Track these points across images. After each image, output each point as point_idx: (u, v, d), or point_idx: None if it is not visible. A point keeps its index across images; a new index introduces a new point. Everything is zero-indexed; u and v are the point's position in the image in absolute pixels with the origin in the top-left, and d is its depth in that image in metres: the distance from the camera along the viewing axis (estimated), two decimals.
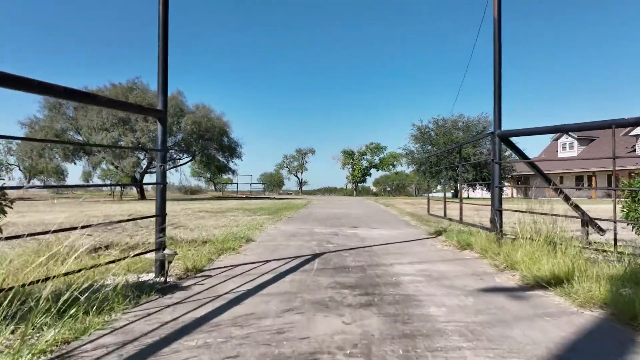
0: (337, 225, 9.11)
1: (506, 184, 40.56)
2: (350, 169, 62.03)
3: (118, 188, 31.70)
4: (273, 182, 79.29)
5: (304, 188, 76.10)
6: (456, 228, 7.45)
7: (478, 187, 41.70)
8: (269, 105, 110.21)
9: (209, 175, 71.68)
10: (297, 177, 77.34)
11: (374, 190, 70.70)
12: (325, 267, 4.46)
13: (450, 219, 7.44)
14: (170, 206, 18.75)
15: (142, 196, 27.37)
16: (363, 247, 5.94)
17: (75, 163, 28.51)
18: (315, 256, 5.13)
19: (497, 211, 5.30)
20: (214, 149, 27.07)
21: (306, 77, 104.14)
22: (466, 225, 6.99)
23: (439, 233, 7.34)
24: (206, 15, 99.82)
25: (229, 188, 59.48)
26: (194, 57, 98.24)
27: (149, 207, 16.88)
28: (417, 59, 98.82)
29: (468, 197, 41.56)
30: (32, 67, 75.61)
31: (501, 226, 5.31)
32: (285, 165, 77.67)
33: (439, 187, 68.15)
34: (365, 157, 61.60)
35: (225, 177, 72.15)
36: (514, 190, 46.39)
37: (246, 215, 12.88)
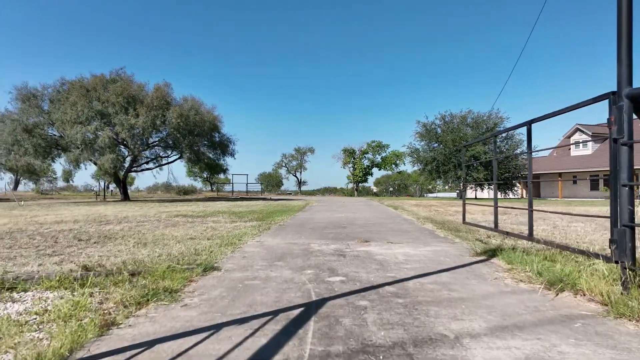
0: (342, 238, 6.84)
1: (518, 184, 38.35)
2: (351, 168, 59.77)
3: (104, 188, 29.35)
4: (272, 182, 77.06)
5: (303, 188, 73.90)
6: (518, 245, 5.19)
7: (486, 187, 39.44)
8: (268, 103, 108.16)
9: (205, 175, 69.45)
10: (296, 177, 75.18)
11: (375, 191, 68.43)
12: (329, 347, 2.19)
13: (508, 233, 5.16)
14: (147, 209, 16.48)
15: (126, 197, 25.06)
16: (388, 283, 3.68)
17: (53, 161, 26.26)
18: (309, 310, 2.87)
19: (626, 228, 3.04)
20: (203, 145, 24.77)
21: (306, 74, 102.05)
22: (533, 243, 4.74)
23: (491, 253, 5.08)
24: (206, 14, 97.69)
25: (227, 188, 57.29)
26: (191, 56, 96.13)
27: (118, 210, 14.57)
28: (418, 55, 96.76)
29: (476, 198, 39.37)
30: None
31: (634, 254, 3.06)
32: (283, 164, 75.44)
33: (445, 187, 65.83)
34: (366, 155, 59.34)
35: (223, 177, 70.04)
36: (524, 191, 44.16)
37: (230, 220, 10.64)
